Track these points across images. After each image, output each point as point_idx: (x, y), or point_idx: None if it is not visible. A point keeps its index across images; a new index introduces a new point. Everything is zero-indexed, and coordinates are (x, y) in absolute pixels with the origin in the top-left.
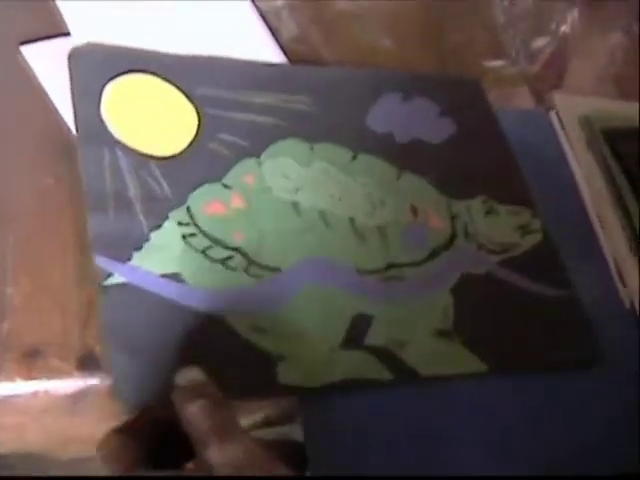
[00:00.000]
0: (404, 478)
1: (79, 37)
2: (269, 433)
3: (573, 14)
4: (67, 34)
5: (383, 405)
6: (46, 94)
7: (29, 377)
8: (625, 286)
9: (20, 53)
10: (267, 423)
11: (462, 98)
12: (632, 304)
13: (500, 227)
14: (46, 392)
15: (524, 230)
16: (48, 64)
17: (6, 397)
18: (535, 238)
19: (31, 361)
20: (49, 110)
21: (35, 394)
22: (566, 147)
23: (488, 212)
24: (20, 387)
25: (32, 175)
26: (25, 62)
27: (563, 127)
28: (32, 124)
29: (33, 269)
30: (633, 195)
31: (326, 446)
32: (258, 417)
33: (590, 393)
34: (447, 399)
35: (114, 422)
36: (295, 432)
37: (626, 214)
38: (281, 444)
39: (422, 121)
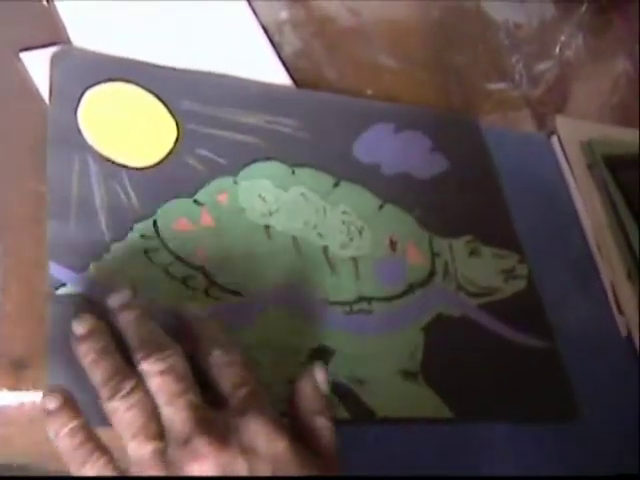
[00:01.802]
0: (404, 478)
1: (80, 45)
2: None
3: (577, 39)
4: (68, 42)
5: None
6: (44, 102)
7: (16, 388)
8: (622, 314)
9: (20, 60)
10: None
11: (457, 136)
12: (628, 332)
13: (483, 269)
14: (33, 403)
15: (508, 275)
16: (47, 71)
17: None
18: (519, 284)
19: (19, 371)
20: (46, 117)
21: (22, 405)
22: (566, 172)
23: (472, 253)
24: (7, 398)
25: (25, 182)
26: (25, 69)
27: (564, 152)
28: (28, 131)
29: (24, 278)
30: (633, 222)
31: None
32: None
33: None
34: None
35: (101, 436)
36: None
37: (625, 241)
38: None
39: (412, 155)
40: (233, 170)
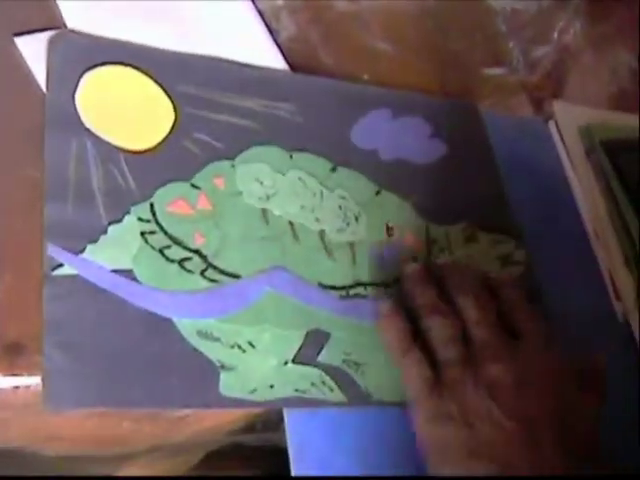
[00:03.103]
0: (404, 478)
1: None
2: (252, 439)
3: (576, 25)
4: (63, 26)
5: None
6: (39, 86)
7: (10, 372)
8: (619, 299)
9: (14, 45)
10: (251, 429)
11: (456, 121)
12: (625, 318)
13: (479, 256)
14: (27, 388)
15: (505, 260)
16: (42, 56)
17: None
18: (516, 270)
19: (13, 356)
20: (41, 103)
21: (16, 390)
22: (564, 157)
23: (468, 239)
24: (1, 382)
25: (19, 168)
26: (19, 54)
27: (562, 137)
28: (24, 117)
29: (18, 263)
30: (631, 208)
31: (309, 453)
32: (242, 423)
33: None
34: None
35: (97, 420)
36: (278, 439)
37: (623, 227)
38: (264, 450)
39: (410, 140)
40: (230, 154)
